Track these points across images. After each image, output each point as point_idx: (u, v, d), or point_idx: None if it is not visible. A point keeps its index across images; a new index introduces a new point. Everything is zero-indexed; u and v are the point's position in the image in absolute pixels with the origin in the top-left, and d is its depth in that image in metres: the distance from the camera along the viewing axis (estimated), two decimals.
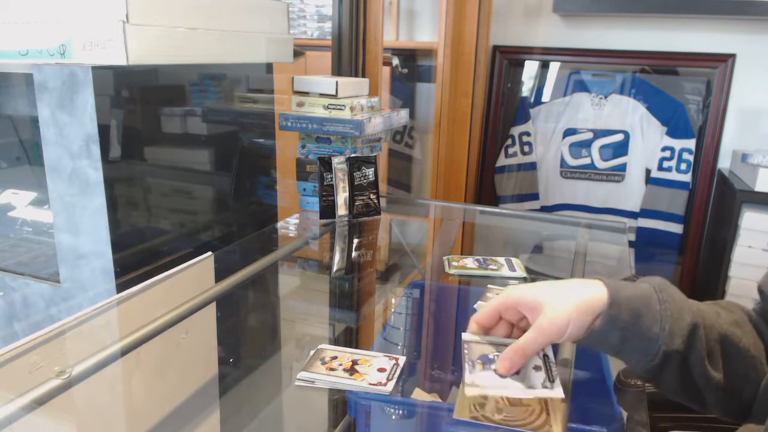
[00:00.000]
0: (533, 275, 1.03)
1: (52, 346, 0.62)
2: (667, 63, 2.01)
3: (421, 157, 2.26)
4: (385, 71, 1.84)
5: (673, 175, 2.00)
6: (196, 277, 0.85)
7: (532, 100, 2.17)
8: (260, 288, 1.01)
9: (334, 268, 1.11)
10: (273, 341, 0.96)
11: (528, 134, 2.17)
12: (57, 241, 0.89)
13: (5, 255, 1.02)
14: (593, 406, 0.62)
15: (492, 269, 1.02)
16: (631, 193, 2.07)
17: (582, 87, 2.09)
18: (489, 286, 0.94)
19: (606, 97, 2.07)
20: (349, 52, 1.42)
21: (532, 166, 2.18)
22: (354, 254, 1.15)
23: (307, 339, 0.91)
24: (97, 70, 0.80)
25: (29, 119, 1.08)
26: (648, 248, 2.06)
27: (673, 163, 2.01)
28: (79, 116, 0.82)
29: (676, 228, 2.00)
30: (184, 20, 0.87)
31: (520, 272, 1.01)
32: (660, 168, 2.02)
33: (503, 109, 2.19)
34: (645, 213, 2.04)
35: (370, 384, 0.63)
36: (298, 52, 1.22)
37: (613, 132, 2.07)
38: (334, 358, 0.69)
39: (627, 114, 2.05)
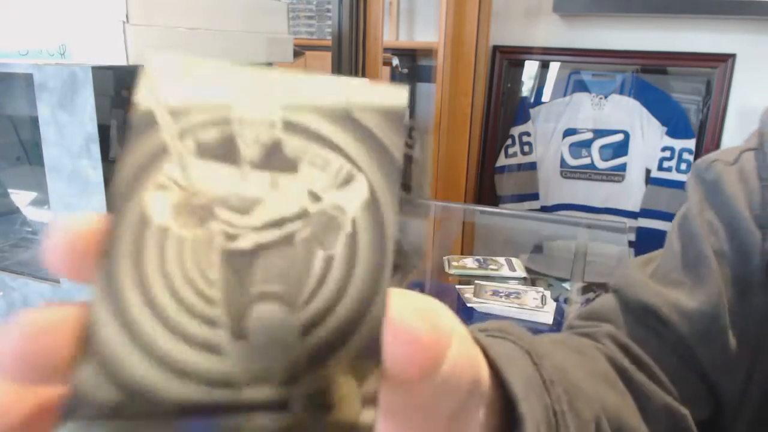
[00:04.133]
0: (533, 275, 1.03)
1: None
2: (667, 63, 2.01)
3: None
4: (385, 71, 1.84)
5: (674, 175, 2.00)
6: None
7: (532, 100, 2.17)
8: None
9: None
10: None
11: (528, 134, 2.17)
12: None
13: (5, 255, 1.02)
14: None
15: (492, 269, 1.02)
16: (631, 193, 2.08)
17: (582, 87, 2.09)
18: (477, 282, 0.94)
19: (606, 97, 2.07)
20: (349, 52, 1.42)
21: (532, 166, 2.18)
22: None
23: None
24: (97, 70, 0.80)
25: (29, 119, 1.08)
26: (648, 248, 2.06)
27: (673, 163, 2.01)
28: (79, 116, 0.82)
29: None
30: (184, 20, 0.87)
31: (520, 272, 1.01)
32: (660, 168, 2.02)
33: (503, 109, 2.19)
34: (645, 213, 2.04)
35: None
36: (298, 52, 1.22)
37: (613, 132, 2.07)
38: None
39: (627, 114, 2.05)
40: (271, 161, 0.18)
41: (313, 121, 0.19)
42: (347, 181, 0.18)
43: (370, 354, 0.17)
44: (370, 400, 0.17)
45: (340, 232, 0.18)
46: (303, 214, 0.18)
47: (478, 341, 0.26)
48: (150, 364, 0.16)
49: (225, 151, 0.18)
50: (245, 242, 0.18)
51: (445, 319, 0.20)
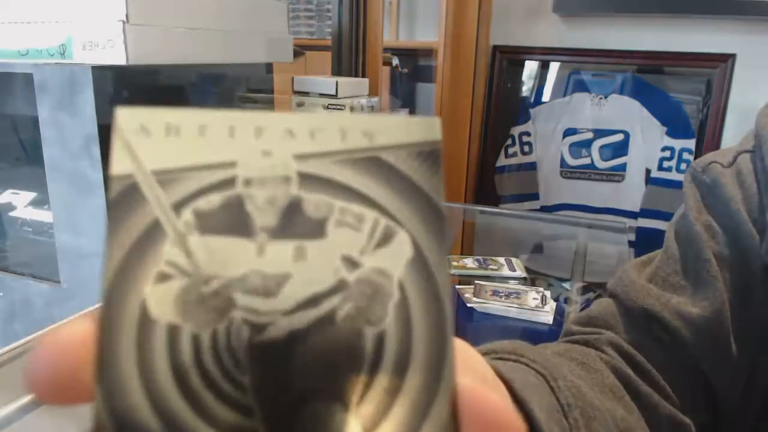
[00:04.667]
0: (533, 275, 1.03)
1: None
2: (667, 63, 2.01)
3: None
4: (385, 71, 1.84)
5: (674, 175, 2.00)
6: None
7: (532, 100, 2.17)
8: None
9: None
10: None
11: (528, 134, 2.17)
12: (57, 241, 0.89)
13: (5, 255, 1.02)
14: None
15: (492, 269, 1.02)
16: (631, 193, 2.08)
17: (582, 87, 2.09)
18: (477, 282, 0.94)
19: (606, 97, 2.07)
20: (349, 52, 1.42)
21: (532, 166, 2.18)
22: None
23: None
24: (97, 70, 0.80)
25: (29, 119, 1.08)
26: (648, 248, 2.06)
27: (673, 163, 2.01)
28: (79, 116, 0.82)
29: None
30: (184, 20, 0.87)
31: (520, 272, 1.01)
32: (660, 168, 2.02)
33: (503, 109, 2.19)
34: (645, 213, 2.04)
35: None
36: (298, 52, 1.22)
37: (613, 132, 2.07)
38: None
39: (627, 114, 2.05)
40: (291, 226, 0.15)
41: (336, 170, 0.15)
42: (386, 238, 0.15)
43: None
44: None
45: (388, 301, 0.15)
46: (341, 286, 0.15)
47: (499, 374, 0.26)
48: None
49: (233, 220, 0.15)
50: (277, 331, 0.15)
51: (486, 370, 0.20)
